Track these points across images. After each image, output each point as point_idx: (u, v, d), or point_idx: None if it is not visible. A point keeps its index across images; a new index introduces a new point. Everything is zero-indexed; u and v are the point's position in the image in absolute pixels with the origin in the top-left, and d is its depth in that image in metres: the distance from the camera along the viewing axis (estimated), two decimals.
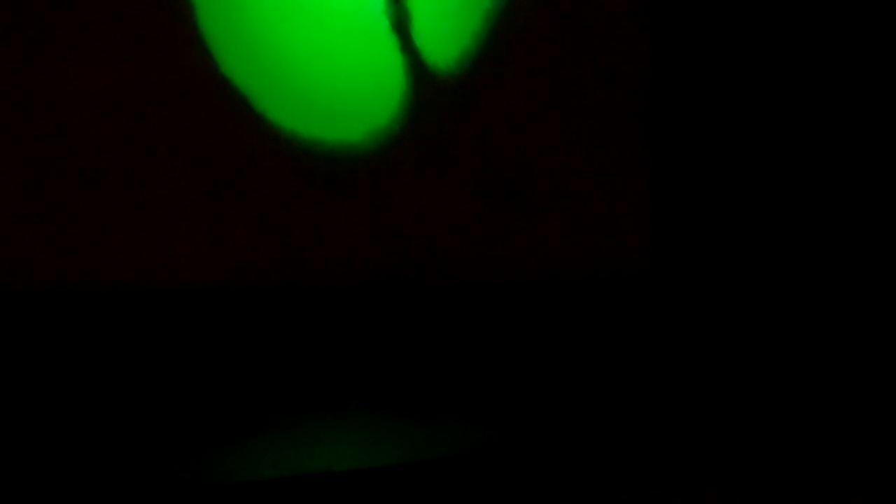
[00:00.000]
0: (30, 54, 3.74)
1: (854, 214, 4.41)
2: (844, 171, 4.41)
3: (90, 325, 3.76)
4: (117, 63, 3.81)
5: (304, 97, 4.01)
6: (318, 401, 3.87)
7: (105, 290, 3.79)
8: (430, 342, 4.09)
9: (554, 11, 4.24)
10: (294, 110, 4.00)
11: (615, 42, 4.32)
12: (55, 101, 3.76)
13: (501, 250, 4.23)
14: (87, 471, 2.98)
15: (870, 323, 4.32)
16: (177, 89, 3.87)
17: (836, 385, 4.09)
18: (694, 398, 3.96)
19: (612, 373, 4.21)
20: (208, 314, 3.88)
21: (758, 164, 4.39)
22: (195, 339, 3.85)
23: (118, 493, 2.78)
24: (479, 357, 4.13)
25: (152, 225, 3.86)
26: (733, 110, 4.38)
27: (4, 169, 3.74)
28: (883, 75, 4.39)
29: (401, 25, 4.08)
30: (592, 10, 4.28)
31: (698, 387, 4.11)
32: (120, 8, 3.81)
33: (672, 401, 3.93)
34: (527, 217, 4.25)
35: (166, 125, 3.87)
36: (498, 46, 4.19)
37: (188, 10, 3.88)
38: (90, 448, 3.25)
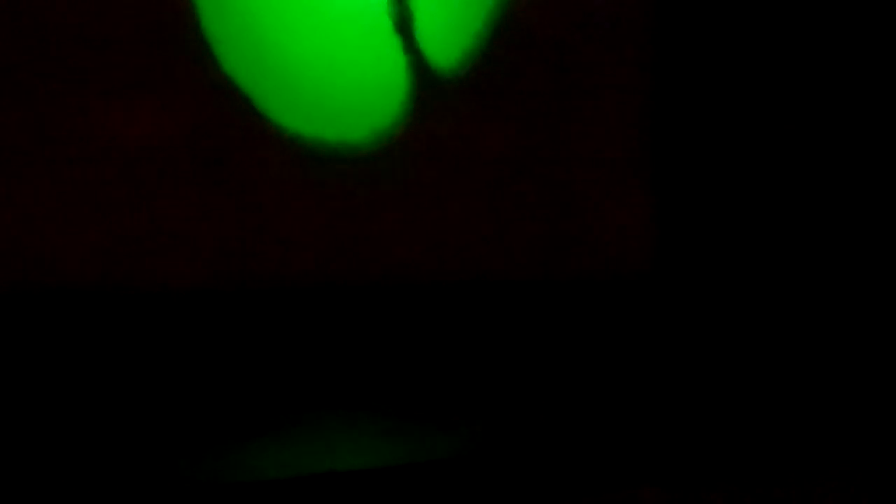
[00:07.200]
0: (27, 52, 3.74)
1: (856, 213, 4.42)
2: (846, 171, 4.42)
3: (92, 325, 3.76)
4: (117, 63, 3.81)
5: (306, 97, 4.02)
6: (320, 401, 3.88)
7: (109, 291, 3.79)
8: (431, 342, 4.10)
9: (556, 12, 4.26)
10: (297, 110, 4.01)
11: (618, 43, 4.33)
12: (53, 101, 3.76)
13: (503, 250, 4.24)
14: (88, 470, 2.99)
15: (871, 322, 4.33)
16: (179, 88, 3.87)
17: (837, 385, 4.11)
18: (695, 399, 3.96)
19: (614, 373, 4.22)
20: (211, 314, 3.88)
21: (760, 163, 4.40)
22: (198, 340, 3.86)
23: (138, 492, 2.79)
24: (480, 357, 4.14)
25: (152, 224, 3.86)
26: (735, 110, 4.39)
27: (3, 169, 3.74)
28: (883, 77, 4.40)
29: (404, 25, 4.09)
30: (595, 11, 4.30)
31: (700, 387, 4.11)
32: (120, 8, 3.81)
33: (673, 401, 3.94)
34: (528, 217, 4.26)
35: (168, 124, 3.87)
36: (500, 47, 4.21)
37: (191, 10, 3.88)
38: (91, 448, 3.25)
